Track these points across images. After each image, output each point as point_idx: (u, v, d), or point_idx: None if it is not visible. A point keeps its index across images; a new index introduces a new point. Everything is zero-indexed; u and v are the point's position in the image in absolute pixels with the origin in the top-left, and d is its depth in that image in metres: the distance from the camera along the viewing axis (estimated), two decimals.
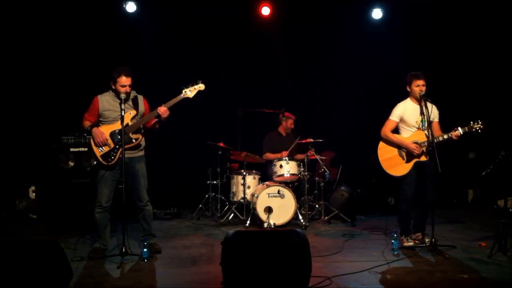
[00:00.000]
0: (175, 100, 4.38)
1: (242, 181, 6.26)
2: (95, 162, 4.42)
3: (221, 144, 6.40)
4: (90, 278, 3.75)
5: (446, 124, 4.73)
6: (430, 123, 4.49)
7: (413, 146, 4.56)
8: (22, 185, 6.43)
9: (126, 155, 4.26)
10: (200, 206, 6.65)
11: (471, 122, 4.45)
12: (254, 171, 6.44)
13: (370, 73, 7.57)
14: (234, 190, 6.42)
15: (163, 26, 7.05)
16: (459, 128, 4.45)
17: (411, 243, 4.67)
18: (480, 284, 3.62)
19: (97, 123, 4.39)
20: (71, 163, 5.72)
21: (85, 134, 5.62)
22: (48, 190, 5.88)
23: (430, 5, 6.99)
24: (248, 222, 5.88)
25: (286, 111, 6.62)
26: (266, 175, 6.44)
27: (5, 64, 6.49)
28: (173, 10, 6.97)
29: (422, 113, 4.63)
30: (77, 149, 5.73)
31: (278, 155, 6.36)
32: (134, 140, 4.36)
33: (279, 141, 6.69)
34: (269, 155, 6.54)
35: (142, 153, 4.53)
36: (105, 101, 4.36)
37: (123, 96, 4.22)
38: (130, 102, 4.40)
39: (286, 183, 6.12)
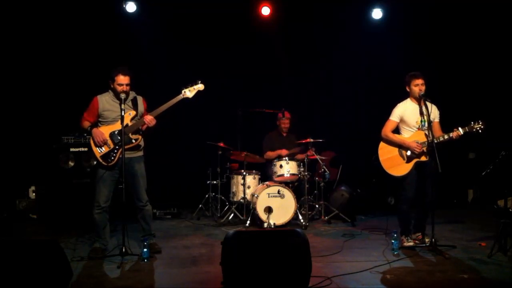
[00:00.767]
0: (174, 100, 4.39)
1: (242, 181, 6.26)
2: (95, 162, 4.43)
3: (221, 144, 6.40)
4: (90, 278, 3.75)
5: (446, 124, 4.73)
6: (430, 123, 4.49)
7: (414, 144, 4.56)
8: (22, 185, 6.43)
9: (126, 155, 4.26)
10: (200, 206, 6.65)
11: (472, 122, 4.45)
12: (254, 171, 6.44)
13: (370, 73, 7.57)
14: (234, 190, 6.42)
15: (163, 26, 7.04)
16: (460, 128, 4.45)
17: (411, 243, 4.68)
18: (480, 284, 3.63)
19: (96, 124, 4.39)
20: (71, 163, 5.72)
21: (85, 134, 5.62)
22: (48, 190, 5.88)
23: (430, 5, 6.99)
24: (248, 222, 5.88)
25: (286, 111, 6.62)
26: (266, 175, 6.44)
27: (5, 64, 6.48)
28: (173, 10, 6.96)
29: (422, 113, 4.63)
30: (77, 149, 5.74)
31: (278, 152, 6.37)
32: (134, 141, 4.36)
33: (279, 141, 6.69)
34: (269, 154, 6.54)
35: (141, 153, 4.53)
36: (105, 101, 4.36)
37: (123, 96, 4.22)
38: (129, 103, 4.40)
39: (286, 183, 6.12)
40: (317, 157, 6.25)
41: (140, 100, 4.50)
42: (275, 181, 6.08)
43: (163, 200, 6.67)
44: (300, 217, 5.97)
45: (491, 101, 7.37)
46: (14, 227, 5.91)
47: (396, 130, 4.80)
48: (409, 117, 4.67)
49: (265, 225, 5.66)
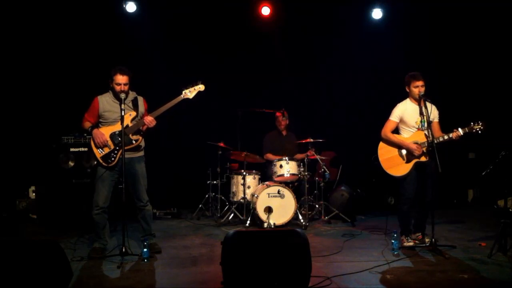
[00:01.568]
0: (174, 101, 4.39)
1: (242, 181, 6.26)
2: (95, 162, 4.43)
3: (221, 144, 6.40)
4: (90, 278, 3.75)
5: (446, 124, 4.73)
6: (430, 123, 4.49)
7: (413, 146, 4.56)
8: (22, 185, 6.43)
9: (126, 156, 4.26)
10: (200, 206, 6.65)
11: (472, 123, 4.45)
12: (254, 171, 6.44)
13: (370, 73, 7.56)
14: (234, 190, 6.42)
15: (163, 26, 7.04)
16: (459, 129, 4.45)
17: (411, 243, 4.68)
18: (480, 284, 3.63)
19: (97, 124, 4.39)
20: (71, 163, 5.72)
21: (85, 134, 5.62)
22: (48, 190, 5.88)
23: (430, 5, 6.99)
24: (248, 222, 5.88)
25: (285, 111, 6.62)
26: (266, 175, 6.44)
27: (5, 64, 6.48)
28: (173, 10, 6.97)
29: (421, 113, 4.63)
30: (77, 149, 5.73)
31: (279, 157, 6.37)
32: (134, 141, 4.36)
33: (279, 140, 6.69)
34: (269, 156, 6.54)
35: (141, 153, 4.53)
36: (105, 102, 4.36)
37: (122, 96, 4.22)
38: (130, 103, 4.40)
39: (286, 183, 6.12)
40: (317, 157, 6.25)
41: (140, 100, 4.50)
42: (275, 181, 6.08)
43: (163, 200, 6.67)
44: (300, 217, 5.97)
45: (491, 101, 7.37)
46: (14, 227, 5.91)
47: (396, 130, 4.80)
48: (409, 118, 4.67)
49: (265, 225, 5.66)
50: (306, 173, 6.14)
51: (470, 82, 7.58)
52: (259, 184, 6.32)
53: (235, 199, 6.38)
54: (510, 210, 4.65)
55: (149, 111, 4.49)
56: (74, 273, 3.63)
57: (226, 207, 6.57)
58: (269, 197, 5.75)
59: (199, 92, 4.50)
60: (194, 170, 7.03)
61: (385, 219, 5.31)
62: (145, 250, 4.19)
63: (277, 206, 5.74)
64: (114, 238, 4.80)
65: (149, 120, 4.32)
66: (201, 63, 6.95)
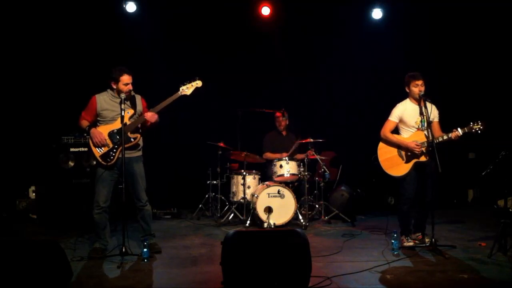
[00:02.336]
0: (172, 98, 4.39)
1: (242, 181, 6.26)
2: (94, 162, 4.42)
3: (221, 144, 6.40)
4: (90, 278, 3.75)
5: (446, 124, 4.72)
6: (429, 123, 4.49)
7: (413, 144, 4.56)
8: (22, 185, 6.43)
9: (125, 155, 4.25)
10: (200, 206, 6.65)
11: (471, 123, 4.44)
12: (254, 171, 6.44)
13: (370, 73, 7.57)
14: (234, 190, 6.42)
15: (163, 26, 7.04)
16: (459, 129, 4.44)
17: (411, 243, 4.68)
18: (480, 284, 3.62)
19: (94, 123, 4.39)
20: (71, 163, 5.72)
21: (85, 134, 5.61)
22: (48, 190, 5.88)
23: (430, 5, 6.99)
24: (248, 222, 5.88)
25: (285, 111, 6.62)
26: (266, 175, 6.44)
27: (5, 64, 6.48)
28: (173, 10, 6.97)
29: (421, 113, 4.63)
30: (77, 149, 5.73)
31: (278, 155, 6.37)
32: (132, 139, 4.36)
33: (279, 140, 6.69)
34: (269, 155, 6.55)
35: (140, 153, 4.53)
36: (103, 101, 4.36)
37: (123, 96, 4.22)
38: (128, 101, 4.39)
39: (286, 183, 6.12)
40: (317, 157, 6.25)
41: (138, 98, 4.50)
42: (275, 181, 6.07)
43: (163, 200, 6.67)
44: (300, 217, 5.97)
45: (491, 101, 7.37)
46: (14, 227, 5.91)
47: (396, 131, 4.80)
48: (409, 118, 4.67)
49: (265, 225, 5.66)
50: (306, 173, 6.14)
51: (470, 82, 7.58)
52: (259, 184, 6.32)
53: (235, 199, 6.38)
54: (510, 210, 4.64)
55: (148, 108, 4.49)
56: (74, 273, 3.63)
57: (226, 207, 6.57)
58: (269, 197, 5.75)
59: (199, 91, 4.50)
60: (194, 170, 7.03)
61: (385, 219, 5.32)
62: (145, 250, 4.19)
63: (277, 206, 5.74)
64: (114, 238, 4.80)
65: (150, 115, 4.32)
66: (201, 63, 6.94)
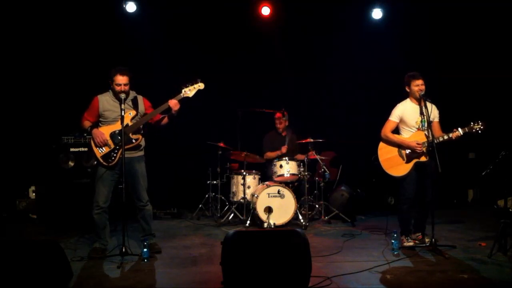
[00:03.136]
0: (175, 99, 4.39)
1: (242, 181, 6.26)
2: (95, 162, 4.42)
3: (221, 144, 6.40)
4: (90, 278, 3.75)
5: (446, 124, 4.73)
6: (430, 123, 4.49)
7: (414, 144, 4.56)
8: (22, 185, 6.43)
9: (126, 155, 4.26)
10: (200, 206, 6.65)
11: (471, 123, 4.45)
12: (254, 171, 6.44)
13: (370, 73, 7.55)
14: (234, 190, 6.43)
15: (163, 26, 7.04)
16: (459, 129, 4.45)
17: (411, 243, 4.68)
18: (480, 284, 3.62)
19: (96, 124, 4.40)
20: (71, 163, 5.72)
21: (85, 134, 5.62)
22: (48, 190, 5.88)
23: (430, 5, 6.99)
24: (248, 222, 5.88)
25: (286, 111, 6.62)
26: (266, 175, 6.44)
27: (5, 64, 6.48)
28: (173, 10, 6.96)
29: (422, 113, 4.63)
30: (77, 149, 5.73)
31: (278, 152, 6.37)
32: (134, 141, 4.36)
33: (279, 140, 6.69)
34: (269, 154, 6.55)
35: (141, 153, 4.53)
36: (105, 101, 4.36)
37: (122, 96, 4.23)
38: (129, 102, 4.40)
39: (286, 183, 6.12)
40: (317, 157, 6.25)
41: (140, 99, 4.50)
42: (275, 181, 6.08)
43: (163, 200, 6.67)
44: (300, 217, 5.97)
45: (491, 101, 7.37)
46: (14, 227, 5.91)
47: (396, 131, 4.80)
48: (409, 117, 4.67)
49: (265, 225, 5.66)
50: (306, 173, 6.14)
51: (470, 82, 7.58)
52: (259, 184, 6.32)
53: (235, 199, 6.38)
54: (510, 210, 4.65)
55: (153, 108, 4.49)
56: (74, 273, 3.63)
57: (226, 207, 6.57)
58: (269, 197, 5.75)
59: (199, 91, 4.50)
60: (194, 170, 7.03)
61: (385, 219, 5.31)
62: (145, 250, 4.19)
63: (277, 206, 5.74)
64: (114, 238, 4.80)
65: (174, 103, 4.33)
66: (201, 63, 6.94)
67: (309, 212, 6.40)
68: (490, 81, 7.48)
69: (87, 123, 4.39)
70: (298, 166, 6.15)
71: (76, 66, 6.70)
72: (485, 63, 7.44)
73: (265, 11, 7.22)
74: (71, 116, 5.07)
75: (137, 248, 4.59)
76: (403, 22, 7.31)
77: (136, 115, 4.39)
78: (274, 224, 5.68)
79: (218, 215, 6.43)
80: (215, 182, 6.62)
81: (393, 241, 4.42)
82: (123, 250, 4.14)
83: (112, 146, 4.31)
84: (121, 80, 4.28)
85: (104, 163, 4.30)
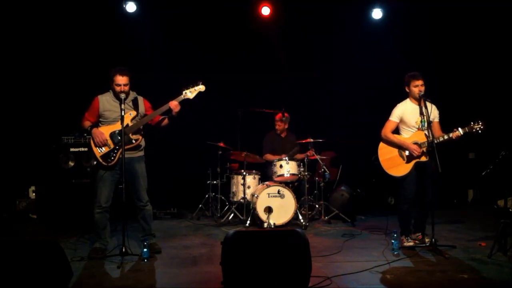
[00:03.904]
0: (176, 100, 4.39)
1: (242, 181, 6.26)
2: (95, 162, 4.43)
3: (221, 144, 6.40)
4: (90, 278, 3.75)
5: (446, 124, 4.73)
6: (430, 123, 4.49)
7: (413, 147, 4.56)
8: (22, 185, 6.43)
9: (126, 155, 4.26)
10: (200, 206, 6.65)
11: (471, 123, 4.45)
12: (254, 171, 6.44)
13: (370, 73, 7.56)
14: (234, 190, 6.42)
15: (163, 26, 7.04)
16: (459, 129, 4.45)
17: (411, 243, 4.68)
18: (480, 284, 3.62)
19: (97, 124, 4.40)
20: (71, 163, 5.72)
21: (85, 134, 5.62)
22: (48, 190, 5.88)
23: (430, 5, 6.99)
24: (248, 222, 5.88)
25: (286, 111, 6.62)
26: (266, 175, 6.44)
27: (5, 64, 6.48)
28: (173, 10, 6.97)
29: (422, 113, 4.63)
30: (77, 149, 5.73)
31: (278, 157, 6.36)
32: (134, 141, 4.36)
33: (279, 141, 6.69)
34: (269, 156, 6.54)
35: (141, 153, 4.53)
36: (106, 101, 4.37)
37: (122, 96, 4.23)
38: (130, 103, 4.40)
39: (286, 183, 6.12)
40: (317, 157, 6.25)
41: (140, 100, 4.50)
42: (275, 181, 6.07)
43: (163, 200, 6.67)
44: (300, 217, 5.97)
45: (491, 101, 7.37)
46: (14, 227, 5.91)
47: (396, 131, 4.80)
48: (409, 118, 4.67)
49: (265, 225, 5.66)
50: (306, 173, 6.14)
51: (470, 82, 7.58)
52: (259, 184, 6.32)
53: (235, 199, 6.38)
54: (510, 210, 4.65)
55: (153, 109, 4.49)
56: (74, 273, 3.62)
57: (226, 207, 6.58)
58: (269, 197, 5.75)
59: (199, 93, 4.50)
60: (194, 170, 7.02)
61: (385, 219, 5.31)
62: (145, 250, 4.19)
63: (277, 206, 5.74)
64: (114, 238, 4.80)
65: (175, 104, 4.34)
66: (201, 63, 6.95)
67: (309, 212, 6.40)
68: (490, 81, 7.50)
69: (87, 123, 4.39)
70: (298, 166, 6.15)
71: (76, 66, 6.71)
72: (485, 63, 7.45)
73: (265, 11, 7.22)
74: (71, 116, 5.07)
75: (137, 248, 4.59)
76: (403, 22, 7.31)
77: (137, 115, 4.39)
78: (274, 224, 5.68)
79: (218, 215, 6.43)
80: (215, 182, 6.62)
81: (393, 241, 4.42)
82: (123, 250, 4.14)
83: (112, 146, 4.31)
84: (121, 80, 4.28)
85: (104, 163, 4.30)
